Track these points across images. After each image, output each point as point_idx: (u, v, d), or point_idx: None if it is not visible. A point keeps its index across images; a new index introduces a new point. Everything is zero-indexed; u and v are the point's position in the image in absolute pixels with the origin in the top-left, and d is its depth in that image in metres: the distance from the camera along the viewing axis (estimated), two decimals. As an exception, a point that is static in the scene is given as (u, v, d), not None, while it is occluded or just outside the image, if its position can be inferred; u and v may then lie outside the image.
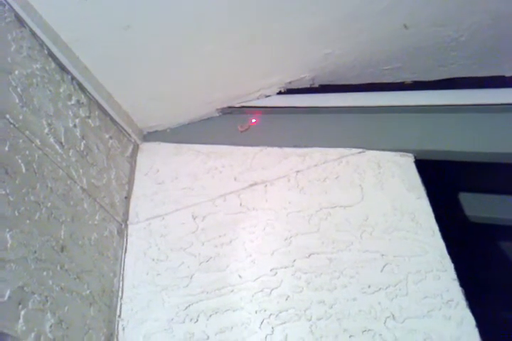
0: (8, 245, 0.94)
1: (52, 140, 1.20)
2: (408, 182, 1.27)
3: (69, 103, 1.33)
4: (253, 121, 1.59)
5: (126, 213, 1.47)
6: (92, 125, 1.42)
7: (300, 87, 1.54)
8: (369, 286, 1.11)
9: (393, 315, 1.05)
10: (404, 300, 1.07)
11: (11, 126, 1.06)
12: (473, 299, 1.05)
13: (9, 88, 1.11)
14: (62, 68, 1.34)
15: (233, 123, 1.61)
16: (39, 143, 1.14)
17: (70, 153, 1.27)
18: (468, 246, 1.84)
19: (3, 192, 0.98)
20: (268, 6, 1.25)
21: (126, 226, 1.44)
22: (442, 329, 1.01)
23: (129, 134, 1.63)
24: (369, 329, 1.05)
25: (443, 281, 1.08)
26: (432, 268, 1.10)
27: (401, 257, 1.14)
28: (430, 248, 1.14)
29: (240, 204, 1.38)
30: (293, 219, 1.29)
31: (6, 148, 1.02)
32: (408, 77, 1.43)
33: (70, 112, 1.33)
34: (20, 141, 1.08)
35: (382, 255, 1.15)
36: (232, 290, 1.20)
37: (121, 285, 1.30)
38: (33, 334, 0.93)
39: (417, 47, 1.33)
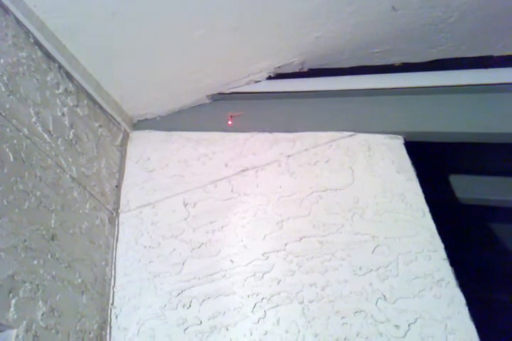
0: (-3, 234, 0.94)
1: (40, 129, 1.20)
2: (398, 164, 1.27)
3: (56, 92, 1.32)
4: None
5: (117, 201, 1.47)
6: (81, 114, 1.41)
7: (290, 71, 1.53)
8: (360, 268, 1.11)
9: (384, 296, 1.06)
10: (395, 281, 1.07)
11: (-2, 114, 1.06)
12: (463, 280, 1.06)
13: (-6, 76, 1.10)
14: (49, 56, 1.32)
15: (223, 110, 1.60)
16: (27, 132, 1.14)
17: (59, 142, 1.26)
18: (458, 227, 1.85)
19: (-9, 181, 0.98)
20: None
21: (118, 214, 1.44)
22: (433, 309, 1.02)
23: (118, 123, 1.62)
24: (361, 310, 1.05)
25: (433, 261, 1.08)
26: (423, 248, 1.11)
27: (392, 238, 1.14)
28: (421, 229, 1.14)
29: (231, 190, 1.38)
30: (284, 204, 1.29)
31: (-7, 137, 1.02)
32: (398, 60, 1.43)
33: (58, 101, 1.32)
34: (8, 129, 1.07)
35: (373, 237, 1.16)
36: (224, 276, 1.20)
37: (113, 273, 1.31)
38: (24, 323, 0.94)
39: (406, 30, 1.32)
